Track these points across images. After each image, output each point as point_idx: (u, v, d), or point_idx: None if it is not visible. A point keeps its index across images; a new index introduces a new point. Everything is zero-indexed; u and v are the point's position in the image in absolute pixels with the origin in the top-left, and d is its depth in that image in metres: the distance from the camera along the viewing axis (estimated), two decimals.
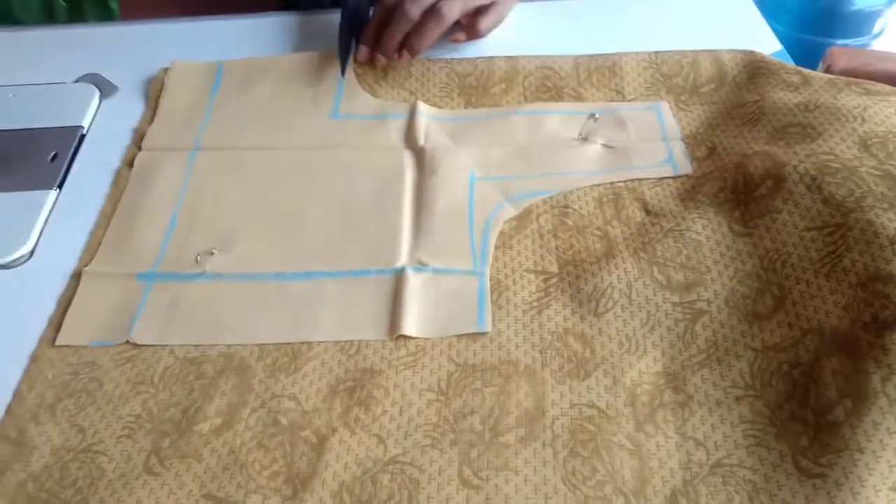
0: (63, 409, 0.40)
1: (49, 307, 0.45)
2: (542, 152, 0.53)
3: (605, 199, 0.49)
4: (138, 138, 0.55)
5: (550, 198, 0.50)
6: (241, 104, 0.58)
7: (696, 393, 0.39)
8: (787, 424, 0.37)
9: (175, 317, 0.44)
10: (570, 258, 0.46)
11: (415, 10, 0.55)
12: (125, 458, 0.38)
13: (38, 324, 0.44)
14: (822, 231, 0.41)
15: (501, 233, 0.48)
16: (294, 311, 0.44)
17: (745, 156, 0.48)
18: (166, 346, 0.43)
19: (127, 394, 0.41)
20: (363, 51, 0.59)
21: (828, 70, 0.60)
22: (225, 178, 0.52)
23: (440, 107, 0.57)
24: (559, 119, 0.55)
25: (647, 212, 0.48)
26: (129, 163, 0.54)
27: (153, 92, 0.59)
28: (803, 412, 0.37)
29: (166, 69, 0.60)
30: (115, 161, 0.54)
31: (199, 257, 0.46)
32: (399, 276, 0.45)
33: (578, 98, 0.57)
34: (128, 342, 0.43)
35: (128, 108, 0.58)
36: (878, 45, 1.33)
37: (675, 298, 0.43)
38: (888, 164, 0.43)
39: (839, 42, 1.30)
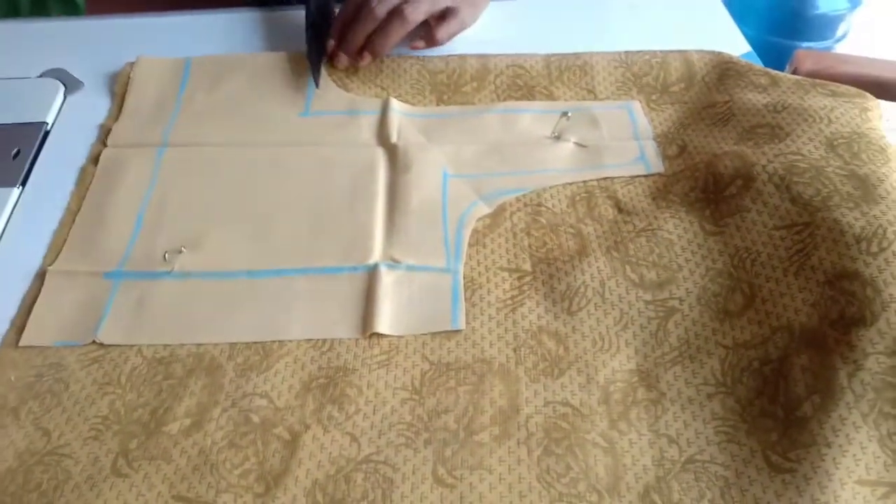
0: (27, 412, 0.39)
1: (11, 307, 0.44)
2: (514, 150, 0.53)
3: (577, 198, 0.50)
4: (104, 134, 0.54)
5: (523, 196, 0.50)
6: (210, 101, 0.57)
7: (668, 390, 0.40)
8: (757, 420, 0.38)
9: (143, 316, 0.43)
10: (543, 256, 0.46)
11: (380, 10, 0.55)
12: (92, 461, 0.37)
13: None
14: (791, 230, 0.42)
15: (475, 231, 0.48)
16: (265, 310, 0.43)
17: (714, 155, 0.49)
18: (134, 346, 0.42)
19: (93, 395, 0.40)
20: (330, 45, 0.59)
21: (794, 72, 0.62)
22: (193, 175, 0.51)
23: (412, 104, 0.57)
24: (532, 117, 0.55)
25: (620, 210, 0.49)
26: (95, 159, 0.52)
27: (119, 88, 0.58)
28: (773, 408, 0.38)
29: (132, 64, 0.59)
30: (81, 158, 0.53)
31: (167, 255, 0.45)
32: (372, 273, 0.45)
33: (550, 97, 0.57)
34: (94, 342, 0.42)
35: (93, 104, 0.57)
36: (841, 48, 1.37)
37: (648, 297, 0.43)
38: (853, 164, 0.43)
39: (804, 45, 1.33)
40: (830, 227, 0.40)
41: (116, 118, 0.55)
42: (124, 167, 0.52)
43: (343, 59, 0.58)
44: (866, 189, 0.42)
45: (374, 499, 0.35)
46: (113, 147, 0.53)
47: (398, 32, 0.56)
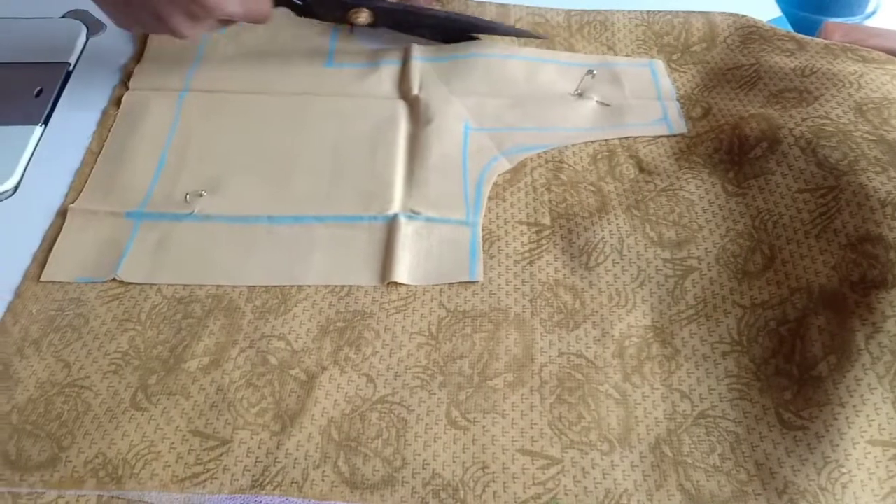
0: (48, 344, 0.40)
1: (34, 243, 0.44)
2: (537, 106, 0.52)
3: (599, 156, 0.49)
4: (126, 77, 0.54)
5: (545, 152, 0.50)
6: (233, 48, 0.56)
7: (683, 347, 0.40)
8: (771, 379, 0.38)
9: (163, 256, 0.44)
10: (562, 211, 0.46)
11: None
12: (111, 394, 0.38)
13: (22, 259, 0.43)
14: (815, 193, 0.42)
15: (495, 184, 0.48)
16: (284, 255, 0.44)
17: (741, 118, 0.48)
18: (154, 284, 0.42)
19: (113, 331, 0.40)
20: None
21: None
22: (215, 120, 0.51)
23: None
24: (556, 70, 0.55)
25: (641, 169, 0.48)
26: (117, 102, 0.52)
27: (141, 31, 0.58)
28: (788, 367, 0.38)
29: None
30: (102, 100, 0.53)
31: (188, 197, 0.46)
32: (391, 224, 0.45)
33: (570, 49, 0.56)
34: (114, 280, 0.42)
35: (115, 47, 0.57)
36: (871, 24, 1.33)
37: (667, 255, 0.43)
38: (882, 130, 0.43)
39: (834, 20, 1.30)
40: (856, 190, 0.40)
41: (138, 61, 0.55)
42: (146, 110, 0.52)
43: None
44: (894, 154, 0.41)
45: (389, 437, 0.36)
46: (135, 90, 0.53)
47: None
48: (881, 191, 0.39)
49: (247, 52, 0.56)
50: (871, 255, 0.38)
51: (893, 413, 0.34)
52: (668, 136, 0.50)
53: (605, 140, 0.50)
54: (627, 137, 0.50)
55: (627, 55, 0.56)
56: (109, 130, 0.51)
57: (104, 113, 0.52)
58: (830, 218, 0.40)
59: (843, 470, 0.34)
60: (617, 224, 0.44)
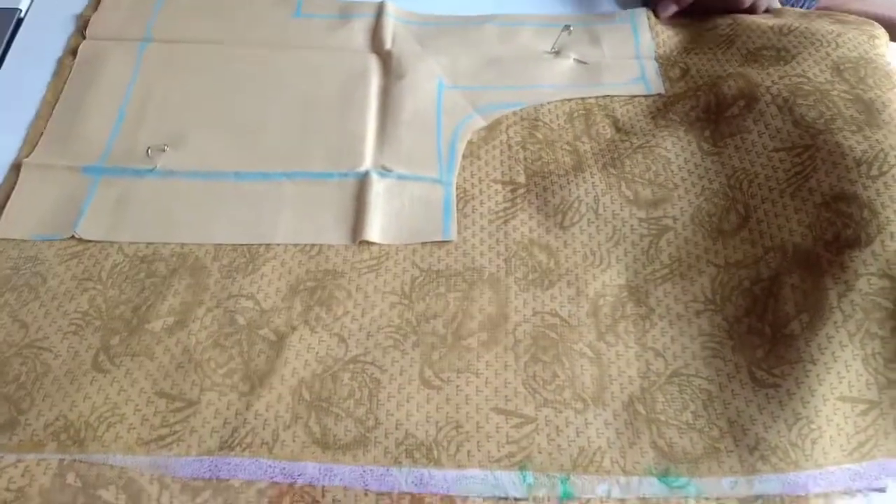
0: (3, 304, 0.38)
1: None
2: (513, 64, 0.51)
3: (575, 115, 0.48)
4: (82, 25, 0.51)
5: (520, 110, 0.48)
6: None
7: (657, 306, 0.40)
8: (744, 338, 0.38)
9: (124, 213, 0.42)
10: (538, 169, 0.45)
11: None
12: (72, 355, 0.36)
13: None
14: (791, 152, 0.41)
15: (469, 142, 0.46)
16: (252, 212, 0.42)
17: (718, 77, 0.48)
18: (115, 242, 0.41)
19: (73, 290, 0.39)
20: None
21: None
22: (178, 71, 0.49)
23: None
24: (532, 31, 0.53)
25: (618, 129, 0.47)
26: (73, 51, 0.50)
27: None
28: (760, 326, 0.38)
29: None
30: (57, 49, 0.50)
31: (149, 152, 0.44)
32: (363, 181, 0.43)
33: None
34: (73, 237, 0.41)
35: None
36: None
37: (642, 214, 0.43)
38: (859, 89, 0.42)
39: None
40: (831, 149, 0.40)
41: (95, 9, 0.52)
42: (104, 60, 0.49)
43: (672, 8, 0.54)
44: (870, 113, 0.41)
45: (361, 398, 0.35)
46: (92, 39, 0.50)
47: None
48: (857, 150, 0.39)
49: (210, 1, 0.54)
50: (846, 213, 0.38)
51: (863, 370, 0.35)
52: (645, 96, 0.49)
53: (582, 99, 0.49)
54: (604, 96, 0.49)
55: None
56: (65, 82, 0.48)
57: (59, 63, 0.49)
58: (805, 177, 0.40)
59: (814, 426, 0.34)
60: (592, 182, 0.44)
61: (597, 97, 0.49)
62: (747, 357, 0.37)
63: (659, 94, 0.50)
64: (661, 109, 0.48)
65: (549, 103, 0.49)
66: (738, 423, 0.35)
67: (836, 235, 0.37)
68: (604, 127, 0.48)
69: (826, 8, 0.62)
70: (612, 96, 0.50)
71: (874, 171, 0.38)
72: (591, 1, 0.56)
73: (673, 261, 0.41)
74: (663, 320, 0.39)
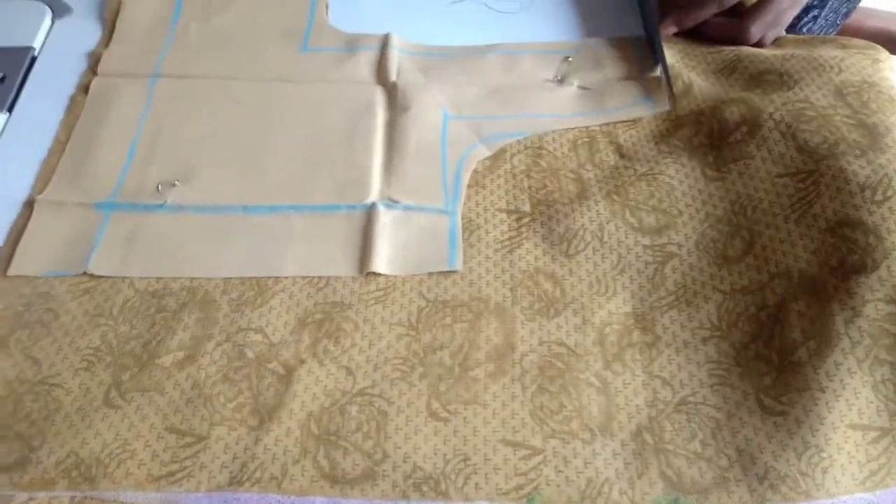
0: (16, 341, 0.39)
1: None
2: (516, 93, 0.52)
3: (579, 142, 0.49)
4: (94, 62, 0.52)
5: (524, 139, 0.49)
6: (205, 32, 0.55)
7: (663, 334, 0.40)
8: (751, 364, 0.38)
9: (135, 248, 0.42)
10: (542, 198, 0.45)
11: None
12: (83, 391, 0.37)
13: None
14: (795, 177, 0.41)
15: (474, 172, 0.47)
16: (260, 245, 0.43)
17: (721, 101, 0.48)
18: (126, 278, 0.41)
19: (84, 326, 0.39)
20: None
21: None
22: (187, 107, 0.50)
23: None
24: (534, 59, 0.54)
25: (622, 155, 0.48)
26: (85, 88, 0.51)
27: (109, 14, 0.56)
28: (768, 353, 0.38)
29: None
30: (70, 86, 0.51)
31: (160, 187, 0.44)
32: (369, 213, 0.44)
33: None
34: (85, 273, 0.41)
35: (82, 31, 0.55)
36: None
37: (646, 241, 0.43)
38: (862, 113, 0.43)
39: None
40: (835, 174, 0.40)
41: (107, 46, 0.53)
42: (115, 97, 0.50)
43: (672, 28, 0.54)
44: (873, 137, 0.41)
45: (369, 430, 0.36)
46: (103, 76, 0.51)
47: (709, 10, 0.53)
48: (860, 174, 0.39)
49: (219, 36, 0.55)
50: (851, 239, 0.38)
51: (873, 397, 0.35)
52: (649, 118, 0.50)
53: (586, 126, 0.50)
54: (608, 123, 0.50)
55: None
56: (77, 118, 0.49)
57: (72, 100, 0.50)
58: (810, 203, 0.40)
59: (824, 454, 0.34)
60: (597, 210, 0.44)
61: (601, 125, 0.50)
62: (755, 384, 0.37)
63: (663, 117, 0.50)
64: (665, 134, 0.49)
65: (553, 132, 0.49)
66: (746, 451, 0.35)
67: (841, 261, 0.37)
68: (607, 154, 0.48)
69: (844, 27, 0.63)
70: (616, 122, 0.50)
71: (878, 196, 0.38)
72: (595, 23, 0.57)
73: (678, 287, 0.41)
74: (670, 348, 0.39)
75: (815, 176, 0.41)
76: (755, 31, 0.51)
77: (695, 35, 0.54)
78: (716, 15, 0.53)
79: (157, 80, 0.51)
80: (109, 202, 0.44)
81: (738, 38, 0.52)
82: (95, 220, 0.44)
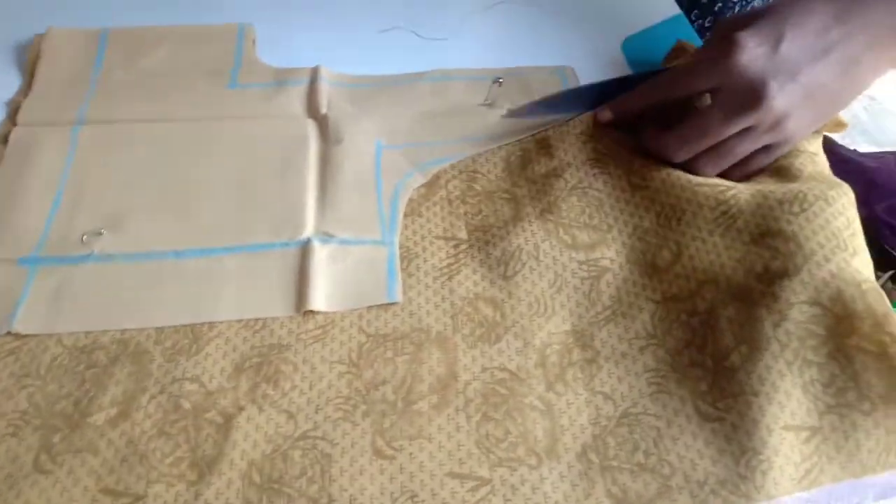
0: None
1: None
2: (447, 119, 0.52)
3: (512, 158, 0.49)
4: (13, 112, 0.51)
5: (458, 163, 0.49)
6: (129, 75, 0.54)
7: (602, 348, 0.40)
8: (687, 370, 0.39)
9: (62, 303, 0.41)
10: (478, 223, 0.46)
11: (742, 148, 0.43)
12: (11, 459, 0.35)
13: None
14: (715, 188, 0.43)
15: (410, 200, 0.47)
16: (193, 291, 0.42)
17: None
18: (53, 335, 0.40)
19: (10, 388, 0.38)
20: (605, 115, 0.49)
21: None
22: (113, 153, 0.49)
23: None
24: (464, 86, 0.55)
25: (552, 156, 0.48)
26: (4, 139, 0.49)
27: (28, 62, 0.54)
28: (702, 358, 0.39)
29: (41, 36, 0.55)
30: None
31: (84, 238, 0.43)
32: (305, 249, 0.44)
33: None
34: (9, 333, 0.40)
35: (0, 80, 0.53)
36: None
37: (581, 257, 0.43)
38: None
39: None
40: (753, 193, 0.41)
41: (26, 94, 0.52)
42: (37, 147, 0.49)
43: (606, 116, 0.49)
44: (782, 173, 0.43)
45: (313, 475, 0.35)
46: (24, 125, 0.50)
47: (637, 101, 0.47)
48: (777, 192, 0.40)
49: (143, 78, 0.54)
50: (773, 247, 0.39)
51: (803, 398, 0.36)
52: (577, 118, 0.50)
53: (518, 140, 0.50)
54: (539, 131, 0.50)
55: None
56: None
57: None
58: (733, 217, 0.41)
59: (762, 457, 0.35)
60: (531, 230, 0.45)
61: (532, 135, 0.50)
62: (692, 390, 0.38)
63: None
64: (593, 136, 0.49)
65: (486, 151, 0.50)
66: (686, 457, 0.36)
67: (765, 267, 0.39)
68: (539, 161, 0.48)
69: None
70: (546, 129, 0.50)
71: (796, 209, 0.39)
72: (521, 52, 0.58)
73: (613, 301, 0.42)
74: (609, 361, 0.40)
75: (735, 190, 0.42)
76: (675, 148, 0.44)
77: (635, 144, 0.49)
78: (655, 123, 0.47)
79: (81, 126, 0.50)
80: (33, 256, 0.43)
81: (663, 153, 0.45)
82: (19, 276, 0.42)
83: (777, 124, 0.41)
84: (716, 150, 0.43)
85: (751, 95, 0.40)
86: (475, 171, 0.49)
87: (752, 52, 0.40)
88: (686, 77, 0.43)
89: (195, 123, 0.51)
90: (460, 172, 0.49)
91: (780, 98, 0.40)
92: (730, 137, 0.42)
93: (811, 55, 0.40)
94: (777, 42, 0.40)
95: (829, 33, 0.40)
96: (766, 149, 0.44)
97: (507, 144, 0.50)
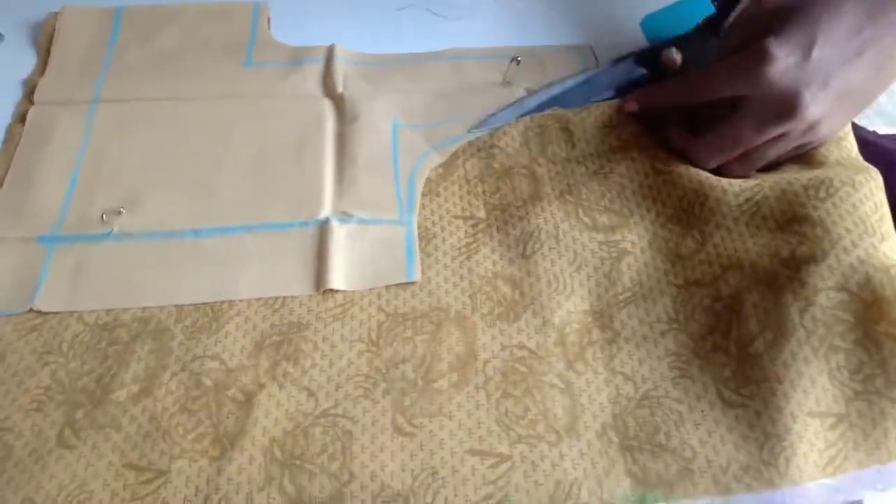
0: None
1: None
2: (464, 97, 0.51)
3: (530, 133, 0.48)
4: (29, 91, 0.51)
5: (476, 140, 0.49)
6: (144, 53, 0.54)
7: (622, 329, 0.40)
8: (710, 356, 0.38)
9: (83, 281, 0.41)
10: (497, 202, 0.45)
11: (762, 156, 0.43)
12: (35, 434, 0.36)
13: None
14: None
15: (428, 180, 0.47)
16: (213, 269, 0.42)
17: None
18: (74, 312, 0.40)
19: (33, 365, 0.38)
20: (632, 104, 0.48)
21: None
22: (129, 131, 0.49)
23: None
24: (482, 64, 0.54)
25: (573, 145, 0.47)
26: (21, 118, 0.49)
27: (44, 40, 0.54)
28: (725, 344, 0.38)
29: (57, 15, 0.55)
30: (5, 117, 0.49)
31: (104, 216, 0.43)
32: (323, 228, 0.43)
33: None
34: (31, 310, 0.40)
35: (15, 59, 0.53)
36: None
37: (601, 237, 0.43)
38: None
39: None
40: (777, 180, 0.41)
41: (42, 73, 0.52)
42: (54, 125, 0.49)
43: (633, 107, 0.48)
44: (807, 160, 0.43)
45: (334, 452, 0.35)
46: (40, 104, 0.50)
47: (666, 96, 0.47)
48: (802, 178, 0.40)
49: (159, 56, 0.54)
50: (799, 232, 0.38)
51: (829, 384, 0.35)
52: (598, 103, 0.50)
53: (537, 115, 0.49)
54: (557, 109, 0.50)
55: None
56: (15, 150, 0.47)
57: (8, 131, 0.49)
58: (758, 204, 0.41)
59: (785, 444, 0.35)
60: (551, 211, 0.44)
61: (551, 111, 0.49)
62: (715, 376, 0.38)
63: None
64: (615, 125, 0.48)
65: (503, 125, 0.49)
66: (709, 442, 0.36)
67: (791, 253, 0.38)
68: (559, 145, 0.48)
69: None
70: (566, 109, 0.50)
71: (822, 194, 0.39)
72: (537, 31, 0.57)
73: (634, 284, 0.41)
74: (629, 343, 0.39)
75: (759, 178, 0.41)
76: (706, 157, 0.43)
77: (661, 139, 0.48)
78: (682, 123, 0.46)
79: (97, 105, 0.50)
80: (52, 235, 0.43)
81: (692, 160, 0.45)
82: (39, 255, 0.42)
83: (809, 130, 0.40)
84: (747, 156, 0.42)
85: (784, 106, 0.39)
86: (493, 147, 0.48)
87: (783, 62, 0.38)
88: (716, 83, 0.42)
89: (211, 102, 0.51)
90: (478, 150, 0.48)
91: (814, 107, 0.39)
92: (761, 144, 0.41)
93: (843, 58, 0.39)
94: (808, 49, 0.38)
95: (861, 33, 0.39)
96: (797, 147, 0.43)
97: (524, 117, 0.49)
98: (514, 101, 0.50)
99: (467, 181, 0.47)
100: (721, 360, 0.38)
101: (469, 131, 0.49)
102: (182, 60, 0.53)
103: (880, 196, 0.39)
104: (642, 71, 0.51)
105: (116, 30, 0.55)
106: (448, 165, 0.48)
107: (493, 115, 0.50)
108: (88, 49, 0.54)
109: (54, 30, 0.54)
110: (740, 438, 0.35)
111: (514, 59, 0.51)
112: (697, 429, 0.36)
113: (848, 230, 0.37)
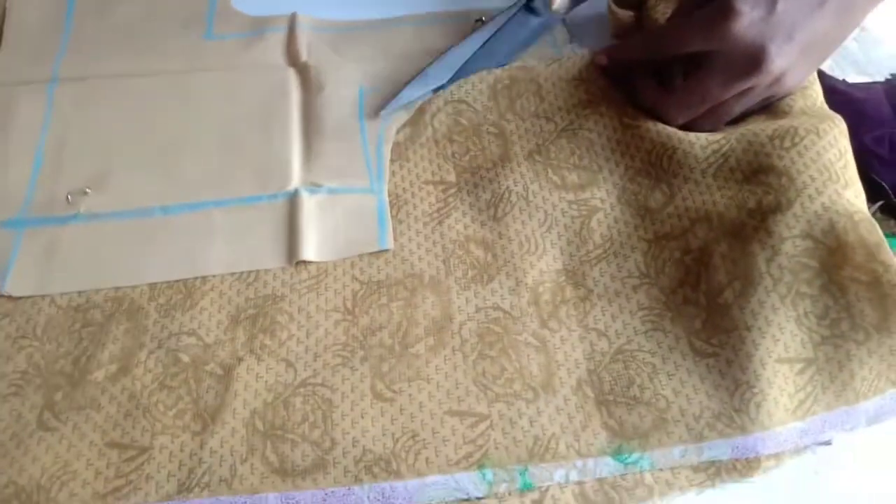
0: None
1: None
2: (430, 59, 0.51)
3: (499, 86, 0.48)
4: None
5: (443, 93, 0.48)
6: (103, 28, 0.52)
7: (595, 286, 0.40)
8: (681, 308, 0.39)
9: (53, 263, 0.41)
10: (466, 164, 0.45)
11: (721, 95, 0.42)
12: (15, 418, 0.36)
13: None
14: None
15: (396, 144, 0.46)
16: (184, 246, 0.42)
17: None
18: (46, 295, 0.40)
19: (8, 350, 0.38)
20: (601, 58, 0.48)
21: None
22: (91, 109, 0.48)
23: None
24: (446, 27, 0.53)
25: (541, 98, 0.47)
26: None
27: None
28: (696, 296, 0.39)
29: None
30: None
31: (69, 197, 0.43)
32: (293, 200, 0.43)
33: None
34: (2, 296, 0.40)
35: None
36: None
37: (571, 196, 0.43)
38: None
39: None
40: (744, 132, 0.41)
41: None
42: (13, 107, 0.47)
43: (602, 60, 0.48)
44: (772, 110, 0.43)
45: (315, 420, 0.36)
46: None
47: (633, 51, 0.47)
48: (768, 129, 0.40)
49: (117, 31, 0.52)
50: (765, 182, 0.39)
51: (796, 330, 0.36)
52: (570, 54, 0.49)
53: (507, 66, 0.49)
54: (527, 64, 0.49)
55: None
56: None
57: None
58: (725, 156, 0.41)
59: (755, 390, 0.35)
60: (521, 172, 0.44)
61: (520, 64, 0.49)
62: (686, 328, 0.38)
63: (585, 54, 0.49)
64: (585, 79, 0.48)
65: (471, 76, 0.49)
66: (682, 392, 0.36)
67: (758, 203, 0.39)
68: (528, 99, 0.47)
69: None
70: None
71: (787, 143, 0.39)
72: None
73: (605, 240, 0.42)
74: (602, 299, 0.40)
75: (725, 129, 0.42)
76: (675, 114, 0.43)
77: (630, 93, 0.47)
78: (652, 77, 0.46)
79: (57, 84, 0.49)
80: (19, 219, 0.43)
81: (662, 116, 0.44)
82: (6, 240, 0.42)
83: (775, 82, 0.41)
84: (714, 112, 0.43)
85: (749, 61, 0.39)
86: (461, 101, 0.48)
87: (748, 16, 0.38)
88: (682, 38, 0.42)
89: (173, 76, 0.50)
90: (445, 103, 0.47)
91: (779, 60, 0.39)
92: (728, 98, 0.42)
93: (807, 9, 0.39)
94: (773, 2, 0.38)
95: None
96: (763, 100, 0.43)
97: (493, 71, 0.49)
98: (418, 74, 0.49)
99: (436, 142, 0.46)
100: (692, 311, 0.39)
101: (378, 115, 0.47)
102: (142, 34, 0.52)
103: (844, 143, 0.40)
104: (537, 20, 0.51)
105: (71, 4, 0.53)
106: (415, 124, 0.47)
107: (400, 93, 0.48)
108: (43, 26, 0.52)
109: (5, 8, 0.53)
110: (712, 387, 0.36)
111: (478, 20, 0.51)
112: (671, 380, 0.37)
113: (812, 178, 0.38)
